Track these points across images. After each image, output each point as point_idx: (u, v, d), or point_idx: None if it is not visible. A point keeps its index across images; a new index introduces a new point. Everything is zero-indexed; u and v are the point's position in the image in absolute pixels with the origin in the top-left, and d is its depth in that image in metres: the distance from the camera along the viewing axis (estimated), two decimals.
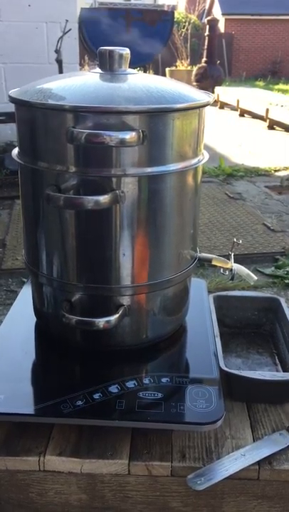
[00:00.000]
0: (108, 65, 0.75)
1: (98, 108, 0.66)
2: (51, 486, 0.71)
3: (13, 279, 2.32)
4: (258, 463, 0.69)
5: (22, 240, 0.86)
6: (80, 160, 0.69)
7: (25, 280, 2.09)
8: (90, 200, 0.67)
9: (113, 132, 0.64)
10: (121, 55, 0.75)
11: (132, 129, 0.66)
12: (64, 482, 0.70)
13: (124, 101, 0.68)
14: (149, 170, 0.70)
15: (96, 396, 0.71)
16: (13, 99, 0.73)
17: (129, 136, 0.65)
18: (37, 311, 0.88)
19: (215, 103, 7.82)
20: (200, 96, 0.75)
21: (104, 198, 0.68)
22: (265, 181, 4.04)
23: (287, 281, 2.33)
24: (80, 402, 0.70)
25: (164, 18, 4.84)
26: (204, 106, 0.74)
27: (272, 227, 2.94)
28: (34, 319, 0.89)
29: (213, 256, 0.88)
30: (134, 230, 0.73)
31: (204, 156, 0.80)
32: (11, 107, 0.78)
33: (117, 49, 0.74)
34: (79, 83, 0.75)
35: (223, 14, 14.08)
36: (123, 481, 0.70)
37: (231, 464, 0.68)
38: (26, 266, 0.84)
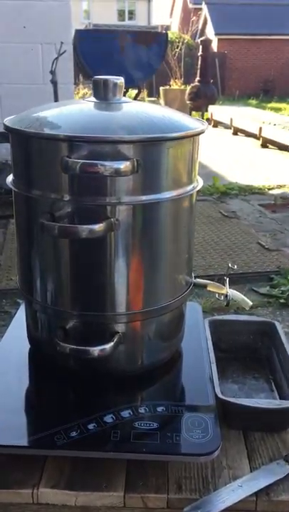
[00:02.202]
0: (103, 94, 0.75)
1: (93, 138, 0.66)
2: None
3: (7, 300, 2.31)
4: (256, 494, 0.68)
5: (16, 263, 0.85)
6: (75, 188, 0.69)
7: (19, 301, 2.08)
8: (85, 229, 0.67)
9: (108, 162, 0.64)
10: (115, 84, 0.75)
11: (126, 158, 0.66)
12: None
13: (119, 130, 0.68)
14: (143, 198, 0.70)
15: (90, 426, 0.70)
16: (7, 128, 0.73)
17: (124, 165, 0.65)
18: (31, 338, 0.87)
19: (208, 121, 7.92)
20: (194, 124, 0.75)
21: (98, 227, 0.68)
22: (259, 199, 4.07)
23: (282, 300, 2.34)
24: (74, 433, 0.69)
25: (158, 39, 4.91)
26: (198, 134, 0.74)
27: (266, 246, 2.95)
28: (28, 345, 0.88)
29: (209, 282, 0.88)
30: (128, 257, 0.73)
31: (199, 183, 0.80)
32: None
33: (112, 78, 0.75)
34: (74, 112, 0.75)
35: (216, 34, 14.32)
36: None
37: (228, 495, 0.67)
38: (21, 292, 0.84)
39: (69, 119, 0.72)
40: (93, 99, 0.77)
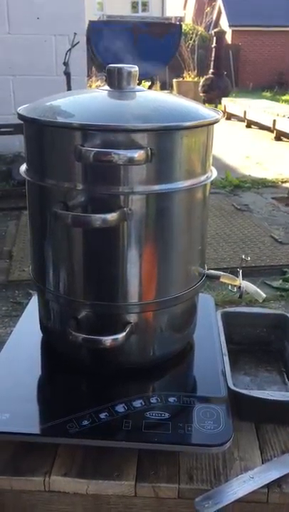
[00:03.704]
0: (117, 83, 0.75)
1: (106, 126, 0.66)
2: (56, 507, 0.70)
3: (20, 291, 2.32)
4: (267, 486, 0.67)
5: (29, 253, 0.86)
6: (88, 177, 0.69)
7: (31, 292, 2.09)
8: (98, 218, 0.67)
9: (121, 151, 0.64)
10: (129, 73, 0.75)
11: (140, 147, 0.65)
12: (69, 503, 0.69)
13: (133, 119, 0.68)
14: (156, 187, 0.70)
15: (102, 416, 0.70)
16: (21, 117, 0.73)
17: (138, 154, 0.64)
18: (43, 327, 0.87)
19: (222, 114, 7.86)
20: (208, 113, 0.74)
21: (112, 216, 0.67)
22: (272, 193, 4.03)
23: None
24: (86, 422, 0.69)
25: (172, 30, 4.88)
26: (213, 123, 0.74)
27: (279, 240, 2.93)
28: (40, 334, 0.88)
29: (222, 273, 0.88)
30: (141, 247, 0.73)
31: (212, 173, 0.80)
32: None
33: (126, 66, 0.74)
34: (87, 101, 0.75)
35: (230, 26, 14.17)
36: (129, 503, 0.69)
37: (240, 486, 0.67)
38: (33, 282, 0.84)
39: (83, 107, 0.72)
40: (107, 87, 0.76)
